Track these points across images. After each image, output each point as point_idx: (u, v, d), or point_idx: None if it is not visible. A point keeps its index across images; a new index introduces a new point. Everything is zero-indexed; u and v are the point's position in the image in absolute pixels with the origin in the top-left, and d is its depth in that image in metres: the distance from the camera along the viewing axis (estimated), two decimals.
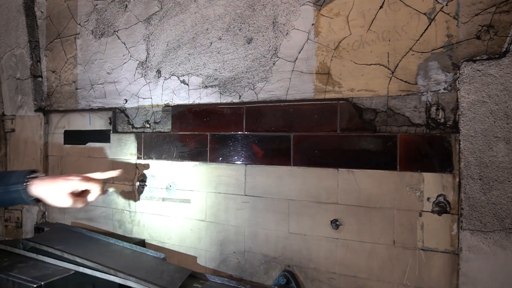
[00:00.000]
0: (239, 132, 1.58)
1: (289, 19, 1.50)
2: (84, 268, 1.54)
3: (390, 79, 1.32)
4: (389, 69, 1.32)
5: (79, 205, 1.36)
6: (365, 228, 1.33)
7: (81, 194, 1.32)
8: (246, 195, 1.56)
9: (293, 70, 1.49)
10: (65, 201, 1.32)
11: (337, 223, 1.37)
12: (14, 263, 1.65)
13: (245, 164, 1.56)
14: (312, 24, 1.45)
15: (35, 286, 1.42)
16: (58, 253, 1.62)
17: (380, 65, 1.34)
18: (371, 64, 1.35)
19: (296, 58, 1.49)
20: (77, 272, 1.55)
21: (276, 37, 1.53)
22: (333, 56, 1.42)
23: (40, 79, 2.28)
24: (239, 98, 1.60)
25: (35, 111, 2.25)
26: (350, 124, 1.36)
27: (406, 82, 1.30)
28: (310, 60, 1.46)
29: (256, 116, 1.54)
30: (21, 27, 2.29)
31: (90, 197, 1.37)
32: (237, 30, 1.61)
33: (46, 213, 2.25)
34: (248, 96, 1.58)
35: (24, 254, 1.73)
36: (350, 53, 1.39)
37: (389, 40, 1.32)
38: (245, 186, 1.56)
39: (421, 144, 1.25)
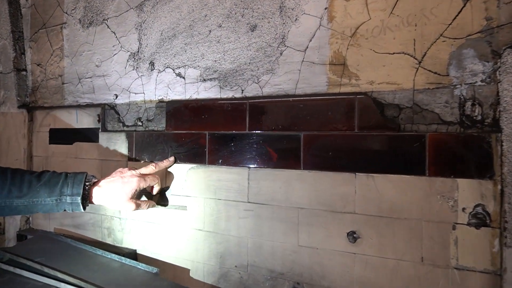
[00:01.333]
0: (242, 131, 1.40)
1: (298, 3, 1.32)
2: (66, 285, 1.36)
3: (417, 70, 1.14)
4: (416, 59, 1.14)
5: (144, 207, 1.39)
6: (387, 242, 1.15)
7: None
8: (249, 202, 1.38)
9: (303, 61, 1.31)
10: (129, 207, 1.34)
11: (355, 235, 1.20)
12: None
13: (248, 167, 1.38)
14: (325, 8, 1.27)
15: None
16: (38, 266, 1.44)
17: (405, 54, 1.16)
18: (394, 53, 1.17)
19: (307, 47, 1.31)
20: None
21: (284, 23, 1.35)
22: (350, 44, 1.24)
23: (24, 72, 2.10)
24: (242, 92, 1.42)
25: (19, 107, 2.07)
26: (370, 122, 1.19)
27: (435, 73, 1.12)
28: (322, 49, 1.28)
29: (261, 113, 1.36)
30: (3, 17, 2.11)
31: (154, 196, 1.48)
32: (239, 16, 1.43)
33: (30, 218, 2.07)
34: (251, 90, 1.40)
35: (0, 267, 1.55)
36: (370, 40, 1.21)
37: (416, 25, 1.14)
38: (248, 192, 1.38)
39: (454, 145, 1.07)
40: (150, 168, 1.41)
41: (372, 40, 1.21)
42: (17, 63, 2.08)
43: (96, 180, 1.34)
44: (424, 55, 1.13)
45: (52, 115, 1.97)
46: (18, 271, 1.48)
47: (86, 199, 1.25)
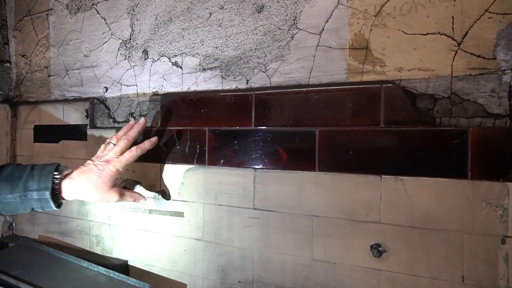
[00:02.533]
0: (247, 127, 1.22)
1: None
2: None
3: (456, 53, 0.96)
4: (454, 40, 0.96)
5: (129, 198, 1.23)
6: (419, 257, 0.97)
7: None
8: (255, 209, 1.20)
9: (318, 45, 1.13)
10: (111, 197, 1.16)
11: (380, 249, 1.02)
12: None
13: (254, 169, 1.20)
14: None
15: None
16: (13, 281, 1.26)
17: (441, 34, 0.98)
18: (427, 34, 0.99)
19: (322, 30, 1.13)
20: None
21: (296, 2, 1.17)
22: (374, 25, 1.06)
23: (7, 64, 1.92)
24: (247, 83, 1.24)
25: (1, 102, 1.89)
26: (399, 115, 1.01)
27: (479, 56, 0.94)
28: (341, 32, 1.10)
29: (269, 106, 1.19)
30: None
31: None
32: None
33: (14, 224, 1.89)
34: (258, 80, 1.22)
35: None
36: (398, 19, 1.03)
37: (455, 0, 0.96)
38: (254, 197, 1.20)
39: (503, 142, 0.89)
40: (132, 150, 1.21)
41: (401, 19, 1.02)
42: (0, 55, 1.90)
43: (68, 171, 1.14)
44: (465, 35, 0.95)
45: (37, 110, 1.79)
46: None
47: (58, 194, 1.05)
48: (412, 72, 1.01)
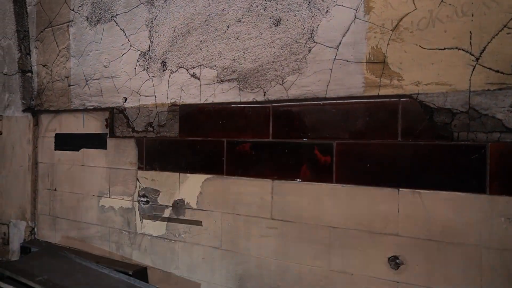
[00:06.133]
0: (264, 139, 1.24)
1: None
2: None
3: (474, 68, 0.97)
4: (472, 55, 0.97)
5: None
6: (437, 270, 0.98)
7: None
8: (273, 219, 1.22)
9: (335, 59, 1.15)
10: None
11: (397, 261, 1.03)
12: None
13: (272, 180, 1.22)
14: None
15: None
16: (38, 287, 1.31)
17: (459, 49, 0.98)
18: (445, 49, 1.00)
19: (340, 43, 1.14)
20: None
21: (313, 16, 1.19)
22: (391, 39, 1.07)
23: (29, 74, 1.98)
24: (264, 95, 1.27)
25: (23, 111, 1.95)
26: (416, 129, 1.02)
27: (497, 71, 0.94)
28: (358, 45, 1.12)
29: (287, 118, 1.21)
30: (8, 15, 2.00)
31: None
32: (261, 9, 1.28)
33: (35, 229, 1.94)
34: (275, 92, 1.24)
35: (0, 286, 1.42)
36: (415, 34, 1.04)
37: (472, 15, 0.97)
38: (272, 208, 1.22)
39: None
40: None
41: (418, 34, 1.04)
42: (22, 64, 1.96)
43: None
44: (483, 50, 0.96)
45: (58, 119, 1.85)
46: None
47: None
48: (429, 86, 1.02)
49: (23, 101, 1.95)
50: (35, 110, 1.95)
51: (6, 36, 2.01)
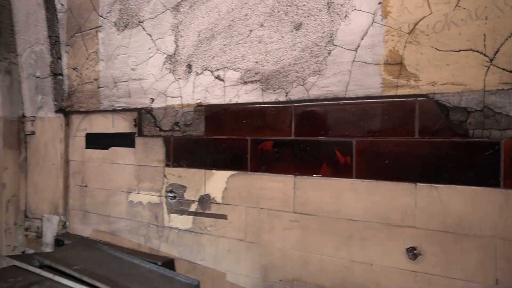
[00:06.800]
0: (287, 137, 1.31)
1: None
2: None
3: (488, 69, 1.02)
4: (486, 56, 1.02)
5: None
6: (454, 260, 1.04)
7: None
8: (295, 213, 1.30)
9: (354, 61, 1.21)
10: None
11: (415, 252, 1.09)
12: (29, 284, 1.45)
13: (294, 175, 1.30)
14: (379, 3, 1.17)
15: None
16: (77, 274, 1.41)
17: (473, 50, 1.04)
18: (460, 50, 1.06)
19: (358, 46, 1.21)
20: None
21: (332, 20, 1.25)
22: (407, 42, 1.13)
23: (60, 77, 2.09)
24: (286, 95, 1.34)
25: (56, 112, 2.07)
26: (433, 127, 1.07)
27: (511, 72, 0.99)
28: (376, 48, 1.18)
29: (308, 117, 1.28)
30: (41, 22, 2.11)
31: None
32: (283, 14, 1.35)
33: (67, 223, 2.06)
34: (297, 93, 1.31)
35: (40, 273, 1.53)
36: (431, 37, 1.09)
37: (486, 18, 1.02)
38: (294, 202, 1.30)
39: None
40: None
41: (434, 36, 1.09)
42: (54, 68, 2.08)
43: None
44: (497, 51, 1.01)
45: (88, 119, 1.96)
46: (57, 278, 1.46)
47: None
48: (445, 86, 1.07)
49: (55, 103, 2.06)
50: (66, 111, 2.06)
51: (38, 42, 2.13)
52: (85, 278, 1.39)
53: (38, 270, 1.53)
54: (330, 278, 1.22)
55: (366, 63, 1.19)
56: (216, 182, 1.47)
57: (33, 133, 2.18)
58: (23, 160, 2.22)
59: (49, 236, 2.09)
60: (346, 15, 1.23)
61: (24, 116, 2.23)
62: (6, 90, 2.17)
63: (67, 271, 1.45)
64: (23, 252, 2.21)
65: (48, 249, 2.06)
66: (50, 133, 2.09)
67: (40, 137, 2.15)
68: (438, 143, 1.06)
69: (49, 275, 1.49)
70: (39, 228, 2.15)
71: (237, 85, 1.45)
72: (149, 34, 1.72)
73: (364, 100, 1.18)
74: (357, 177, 1.18)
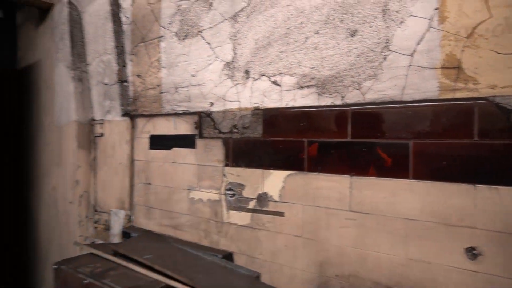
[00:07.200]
0: (343, 139, 1.38)
1: (403, 5, 1.26)
2: (175, 282, 1.46)
3: None
4: None
5: None
6: None
7: None
8: (351, 211, 1.36)
9: (410, 65, 1.25)
10: None
11: (474, 252, 1.11)
12: (107, 270, 1.63)
13: (350, 176, 1.36)
14: (436, 9, 1.20)
15: None
16: (148, 263, 1.56)
17: None
18: None
19: (414, 51, 1.24)
20: (166, 286, 1.48)
21: (388, 27, 1.30)
22: (465, 46, 1.15)
23: (126, 83, 2.29)
24: (342, 99, 1.40)
25: (122, 115, 2.27)
26: (493, 130, 1.09)
27: None
28: (432, 52, 1.21)
29: (363, 120, 1.33)
30: (108, 34, 2.32)
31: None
32: (338, 22, 1.41)
33: (132, 217, 2.25)
34: (352, 97, 1.37)
35: (115, 261, 1.70)
36: (490, 40, 1.11)
37: None
38: (350, 201, 1.36)
39: None
40: None
41: (494, 40, 1.11)
42: (120, 75, 2.28)
43: None
44: None
45: (151, 122, 2.13)
46: (131, 266, 1.62)
47: None
48: (506, 89, 1.09)
49: (121, 107, 2.26)
50: (131, 115, 2.25)
51: (106, 52, 2.34)
52: (156, 267, 1.54)
53: (113, 258, 1.71)
54: (387, 274, 1.27)
55: (422, 67, 1.23)
56: (274, 181, 1.57)
57: (101, 135, 2.40)
58: (93, 160, 2.45)
59: (116, 229, 2.30)
60: (401, 21, 1.27)
61: (93, 120, 2.46)
62: (79, 96, 2.42)
63: (140, 259, 1.61)
64: (93, 242, 2.43)
65: (115, 240, 2.27)
66: (117, 135, 2.30)
67: (108, 139, 2.36)
68: (499, 145, 1.08)
69: (123, 263, 1.67)
70: (107, 221, 2.37)
71: (294, 89, 1.53)
72: (208, 43, 1.85)
73: (421, 104, 1.22)
74: (414, 177, 1.22)
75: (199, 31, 1.90)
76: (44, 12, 2.84)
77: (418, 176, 1.21)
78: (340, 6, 1.40)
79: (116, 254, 1.74)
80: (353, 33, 1.38)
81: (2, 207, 3.13)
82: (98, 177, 2.44)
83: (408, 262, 1.23)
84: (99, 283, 1.50)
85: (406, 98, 1.26)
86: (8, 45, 3.30)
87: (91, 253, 1.84)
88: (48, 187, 2.86)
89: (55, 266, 1.73)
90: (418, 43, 1.24)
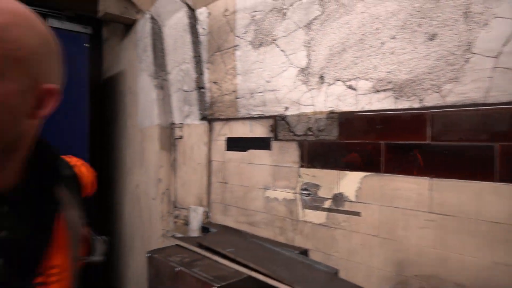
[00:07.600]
0: (421, 141, 1.40)
1: (488, 7, 1.26)
2: (257, 274, 1.58)
3: None
4: None
5: None
6: None
7: None
8: (430, 213, 1.38)
9: (495, 67, 1.25)
10: None
11: None
12: (194, 261, 1.81)
13: (430, 177, 1.38)
14: None
15: (217, 286, 1.52)
16: (232, 256, 1.71)
17: None
18: None
19: (500, 53, 1.24)
20: (249, 277, 1.61)
21: (470, 29, 1.30)
22: None
23: (203, 90, 2.48)
24: (420, 102, 1.42)
25: (200, 119, 2.46)
26: None
27: None
28: None
29: (444, 122, 1.35)
30: (187, 45, 2.53)
31: None
32: (416, 26, 1.44)
33: (209, 214, 2.44)
34: (431, 100, 1.39)
35: (200, 253, 1.88)
36: None
37: None
38: (430, 203, 1.38)
39: None
40: None
41: None
42: (198, 82, 2.48)
43: None
44: None
45: (228, 125, 2.29)
46: (215, 257, 1.79)
47: None
48: None
49: (199, 112, 2.46)
50: (209, 119, 2.44)
51: (185, 61, 2.55)
52: (238, 259, 1.68)
53: (198, 250, 1.89)
54: (471, 277, 1.28)
55: (509, 69, 1.22)
56: (349, 182, 1.63)
57: (181, 137, 2.63)
58: (173, 160, 2.69)
59: (194, 224, 2.50)
60: (485, 23, 1.27)
61: (173, 123, 2.70)
62: (161, 102, 2.66)
63: (223, 252, 1.77)
64: (173, 235, 2.66)
65: (194, 235, 2.47)
66: (196, 137, 2.50)
67: (187, 141, 2.58)
68: None
69: (208, 254, 1.83)
70: (186, 216, 2.58)
71: (369, 93, 1.58)
72: (283, 50, 1.96)
73: (508, 106, 1.21)
74: (501, 180, 1.21)
75: (273, 40, 2.01)
76: (128, 27, 3.16)
77: (505, 179, 1.20)
78: (418, 11, 1.43)
79: (200, 246, 1.92)
80: (432, 37, 1.40)
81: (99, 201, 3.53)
82: (178, 176, 2.68)
83: (495, 266, 1.23)
84: (190, 271, 1.67)
85: (491, 100, 1.25)
86: (96, 57, 3.71)
87: (177, 245, 2.04)
88: (131, 185, 3.18)
89: (148, 255, 1.96)
90: (504, 45, 1.23)
